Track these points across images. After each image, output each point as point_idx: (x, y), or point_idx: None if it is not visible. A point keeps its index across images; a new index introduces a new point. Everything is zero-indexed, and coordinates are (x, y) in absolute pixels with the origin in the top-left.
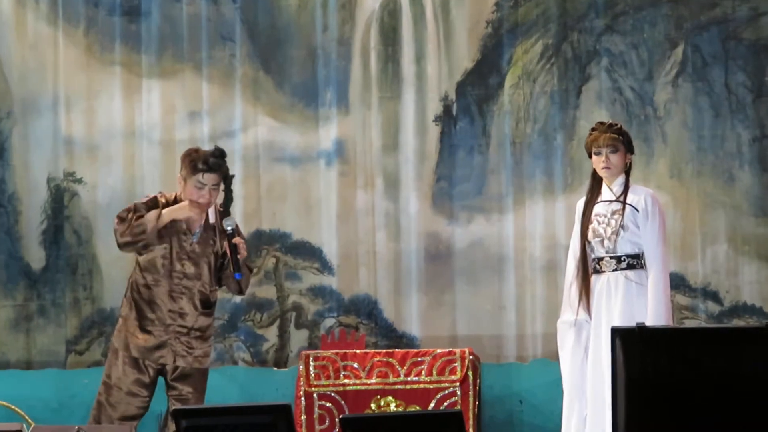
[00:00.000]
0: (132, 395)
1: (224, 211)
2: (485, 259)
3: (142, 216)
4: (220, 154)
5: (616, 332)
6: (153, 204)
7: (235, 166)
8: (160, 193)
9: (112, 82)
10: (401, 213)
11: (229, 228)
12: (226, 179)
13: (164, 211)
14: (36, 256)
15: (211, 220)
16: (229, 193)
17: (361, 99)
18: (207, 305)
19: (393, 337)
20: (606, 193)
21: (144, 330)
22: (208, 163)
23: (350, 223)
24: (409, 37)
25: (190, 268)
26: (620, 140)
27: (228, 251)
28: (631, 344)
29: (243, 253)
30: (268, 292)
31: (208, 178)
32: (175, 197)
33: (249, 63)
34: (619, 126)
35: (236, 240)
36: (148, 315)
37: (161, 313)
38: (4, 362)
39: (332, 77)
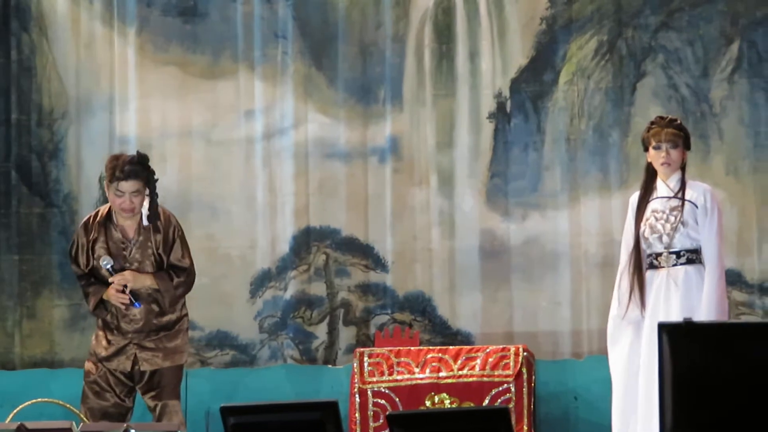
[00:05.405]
0: (100, 397)
1: (150, 215)
2: (540, 256)
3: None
4: (139, 161)
5: (662, 327)
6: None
7: (286, 163)
8: (90, 216)
9: (167, 81)
10: (456, 210)
11: (108, 266)
12: (150, 183)
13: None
14: None
15: (145, 223)
16: (153, 197)
17: (415, 96)
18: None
19: (448, 335)
20: (662, 189)
21: (106, 339)
22: (124, 171)
23: (405, 220)
24: (463, 34)
25: None
26: (680, 136)
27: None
28: (678, 340)
29: (129, 284)
30: (318, 289)
31: (125, 186)
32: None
33: (301, 60)
34: (679, 121)
35: (111, 280)
36: (110, 324)
37: (117, 321)
38: (59, 361)
39: (386, 74)
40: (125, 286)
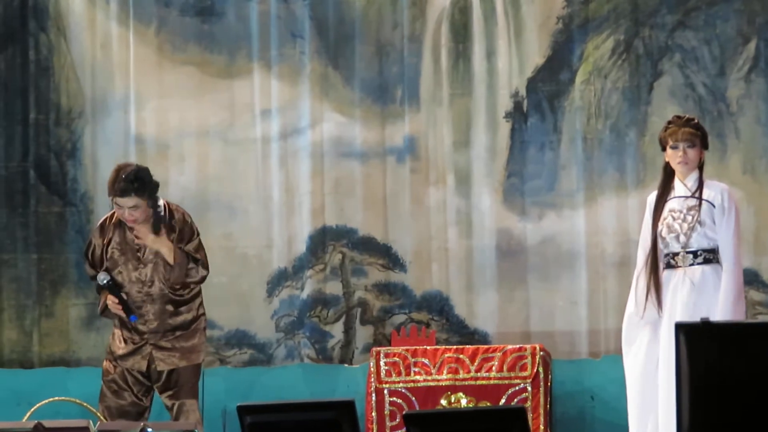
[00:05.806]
0: (118, 396)
1: (153, 227)
2: (557, 255)
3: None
4: (134, 178)
5: (679, 327)
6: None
7: (303, 163)
8: (106, 218)
9: (184, 81)
10: (473, 209)
11: (104, 282)
12: (150, 197)
13: None
14: None
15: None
16: (156, 210)
17: (432, 96)
18: (177, 303)
19: (465, 334)
20: (680, 189)
21: (123, 338)
22: (119, 187)
23: (422, 219)
24: (480, 33)
25: (146, 274)
26: (698, 135)
27: (117, 300)
28: (695, 340)
29: (147, 243)
30: (335, 288)
31: (121, 201)
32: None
33: (317, 59)
34: (696, 121)
35: (111, 299)
36: (127, 324)
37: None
38: (76, 360)
39: (403, 74)
40: (123, 298)
